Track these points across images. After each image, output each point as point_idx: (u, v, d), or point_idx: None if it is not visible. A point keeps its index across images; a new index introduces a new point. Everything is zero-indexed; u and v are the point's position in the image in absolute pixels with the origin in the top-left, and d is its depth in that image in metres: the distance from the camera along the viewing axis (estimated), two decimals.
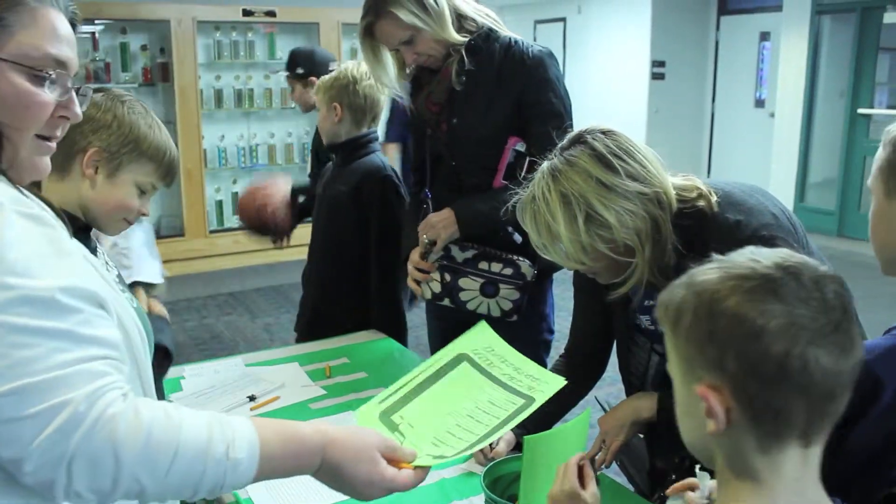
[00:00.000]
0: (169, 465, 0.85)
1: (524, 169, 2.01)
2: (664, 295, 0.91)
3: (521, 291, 2.09)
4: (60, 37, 0.96)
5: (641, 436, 1.75)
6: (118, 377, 0.87)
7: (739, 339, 0.80)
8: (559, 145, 1.53)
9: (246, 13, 6.64)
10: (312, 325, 2.59)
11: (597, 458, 1.68)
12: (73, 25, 1.01)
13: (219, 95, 6.86)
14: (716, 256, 0.91)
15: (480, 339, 1.52)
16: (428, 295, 2.17)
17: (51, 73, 0.94)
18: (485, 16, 2.10)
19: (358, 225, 2.48)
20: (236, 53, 6.85)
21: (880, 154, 1.14)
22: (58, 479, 0.81)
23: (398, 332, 2.53)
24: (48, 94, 0.94)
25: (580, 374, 1.86)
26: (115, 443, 0.82)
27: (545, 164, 1.50)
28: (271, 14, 6.73)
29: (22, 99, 0.92)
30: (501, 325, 2.12)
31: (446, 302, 2.15)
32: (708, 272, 0.87)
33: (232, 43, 6.82)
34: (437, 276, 2.13)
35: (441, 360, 1.47)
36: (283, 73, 3.82)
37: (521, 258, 2.08)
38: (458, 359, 1.46)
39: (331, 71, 2.65)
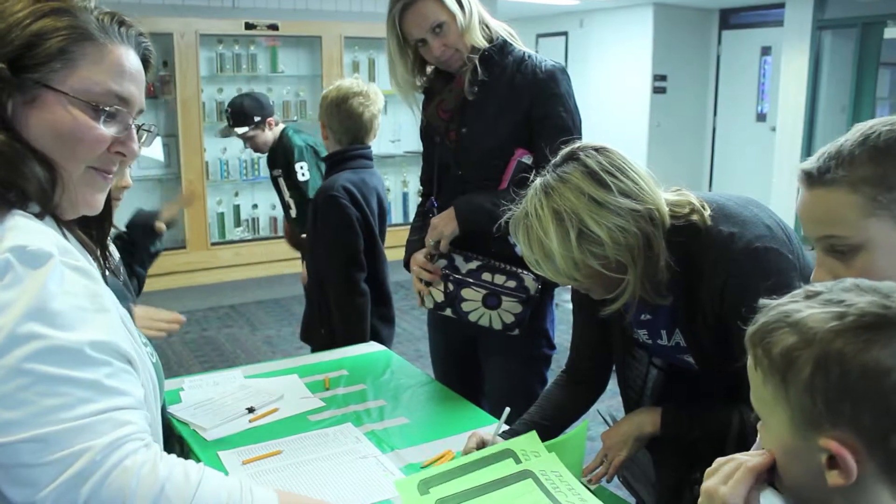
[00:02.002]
0: None
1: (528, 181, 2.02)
2: (758, 333, 0.86)
3: (523, 305, 2.08)
4: (126, 73, 0.97)
5: (648, 454, 1.74)
6: (142, 426, 0.88)
7: (877, 394, 0.74)
8: (552, 161, 1.54)
9: (248, 26, 6.66)
10: (303, 332, 2.79)
11: (597, 471, 1.67)
12: (146, 62, 1.03)
13: (221, 108, 6.87)
14: (805, 288, 0.85)
15: (548, 463, 1.49)
16: (430, 304, 2.17)
17: (108, 108, 0.95)
18: (502, 29, 2.13)
19: (313, 243, 2.61)
20: (239, 66, 6.87)
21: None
22: None
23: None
24: (105, 129, 0.95)
25: (582, 389, 1.86)
26: (126, 494, 0.82)
27: (538, 181, 1.51)
28: (274, 28, 6.75)
29: (77, 132, 0.93)
30: (498, 341, 2.12)
31: (448, 312, 2.14)
32: (809, 310, 0.81)
33: (234, 56, 6.85)
34: (440, 285, 2.13)
35: (493, 454, 1.48)
36: (238, 132, 3.85)
37: (525, 271, 2.06)
38: (524, 474, 1.45)
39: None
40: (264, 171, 7.07)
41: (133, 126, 0.99)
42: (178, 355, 5.06)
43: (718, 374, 1.55)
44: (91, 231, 1.06)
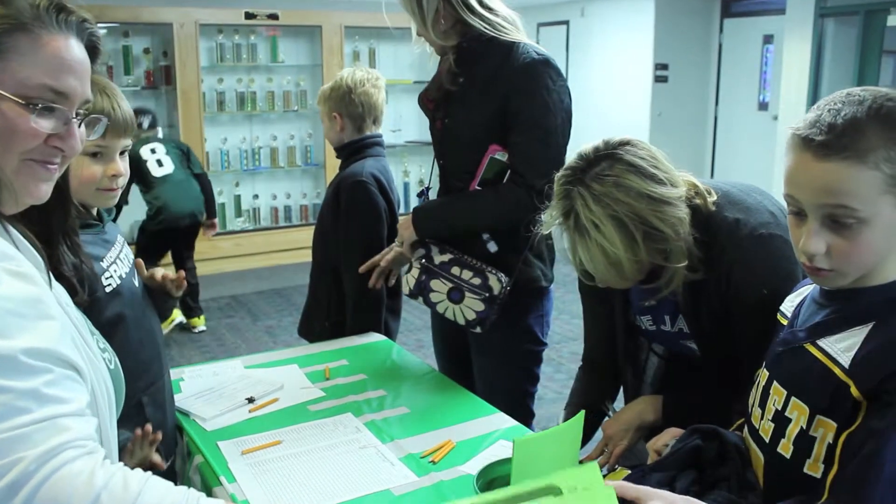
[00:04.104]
0: None
1: (504, 179, 2.00)
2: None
3: (485, 304, 2.04)
4: (65, 66, 0.91)
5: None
6: (84, 433, 0.84)
7: None
8: (575, 165, 1.46)
9: (248, 16, 6.64)
10: (301, 326, 2.69)
11: (598, 461, 1.67)
12: (94, 49, 0.96)
13: (221, 98, 6.87)
14: None
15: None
16: (405, 290, 2.20)
17: (40, 104, 0.89)
18: (497, 24, 2.03)
19: (334, 230, 2.52)
20: (239, 56, 6.86)
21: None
22: None
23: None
24: (37, 124, 0.89)
25: (600, 377, 1.85)
26: (58, 502, 0.78)
27: (578, 190, 1.42)
28: (274, 17, 6.74)
29: (8, 125, 0.88)
30: (480, 337, 2.12)
31: (420, 300, 2.16)
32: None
33: (234, 46, 6.83)
34: (415, 273, 2.14)
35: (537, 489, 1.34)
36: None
37: (493, 270, 2.04)
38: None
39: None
40: (265, 161, 7.10)
41: (74, 121, 0.93)
42: (179, 345, 5.06)
43: (720, 360, 1.55)
44: (50, 223, 1.02)
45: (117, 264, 1.61)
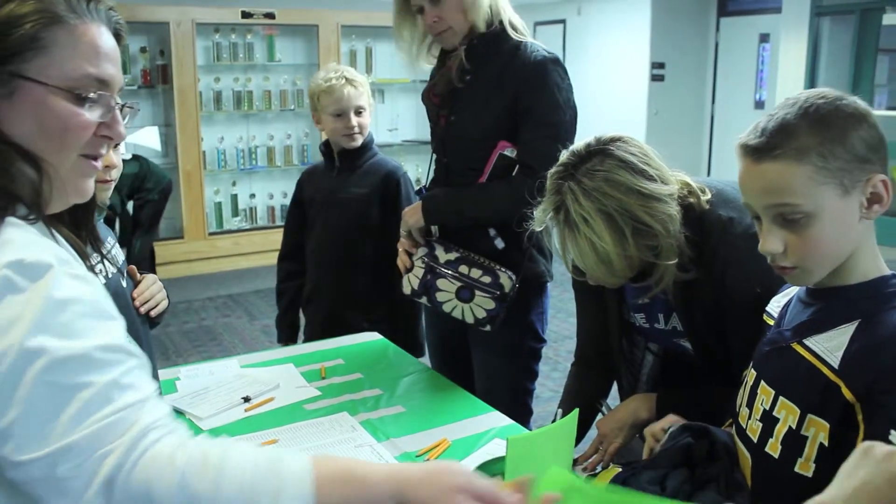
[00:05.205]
0: None
1: (513, 175, 2.01)
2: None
3: (496, 302, 2.04)
4: (102, 54, 0.93)
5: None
6: (162, 414, 0.87)
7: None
8: (567, 161, 1.48)
9: (245, 15, 6.64)
10: (328, 329, 2.54)
11: (592, 459, 1.68)
12: (119, 37, 0.98)
13: (218, 97, 6.86)
14: None
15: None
16: (407, 290, 2.16)
17: (91, 94, 0.91)
18: (508, 17, 2.07)
19: (381, 225, 2.52)
20: (235, 55, 6.86)
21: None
22: None
23: (414, 326, 2.59)
24: (89, 115, 0.92)
25: (595, 375, 1.85)
26: (151, 487, 0.82)
27: (569, 185, 1.44)
28: (270, 16, 6.73)
29: (61, 122, 0.90)
30: (482, 334, 2.12)
31: (424, 300, 2.14)
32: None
33: (231, 45, 6.82)
34: (418, 272, 2.12)
35: None
36: None
37: (502, 268, 2.05)
38: None
39: None
40: (262, 160, 7.10)
41: (116, 107, 0.96)
42: (176, 345, 5.06)
43: (713, 358, 1.56)
44: (76, 215, 1.03)
45: (104, 263, 1.61)
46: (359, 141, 2.53)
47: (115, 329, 0.88)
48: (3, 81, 0.87)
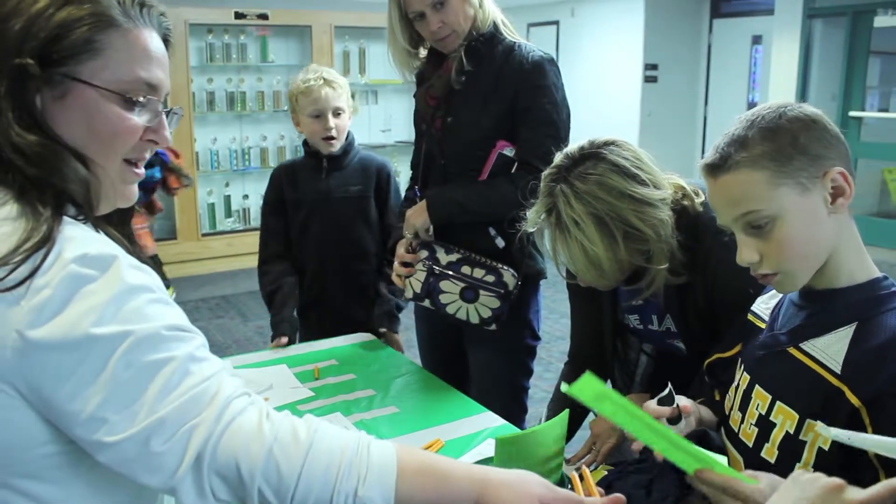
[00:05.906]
0: (293, 488, 0.87)
1: (513, 172, 2.02)
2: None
3: (501, 300, 2.05)
4: (153, 59, 0.94)
5: None
6: (239, 385, 0.90)
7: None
8: (560, 164, 1.48)
9: (238, 16, 6.62)
10: (339, 329, 2.51)
11: (585, 459, 1.68)
12: (167, 42, 0.99)
13: (211, 98, 6.84)
14: None
15: None
16: (409, 294, 2.16)
17: (141, 98, 0.92)
18: (496, 16, 2.09)
19: (380, 220, 2.57)
20: (228, 56, 6.84)
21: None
22: (206, 493, 0.86)
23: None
24: (137, 119, 0.93)
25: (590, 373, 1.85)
26: (238, 458, 0.85)
27: (561, 188, 1.44)
28: (263, 17, 6.72)
29: (111, 125, 0.91)
30: (482, 332, 2.12)
31: (427, 303, 2.14)
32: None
33: (224, 46, 6.81)
34: (420, 276, 2.12)
35: None
36: None
37: (505, 267, 2.05)
38: None
39: None
40: (255, 161, 7.09)
41: (163, 112, 0.97)
42: None
43: (707, 359, 1.56)
44: (120, 215, 1.04)
45: None
46: (336, 146, 2.50)
47: (178, 312, 0.91)
48: (56, 83, 0.88)
